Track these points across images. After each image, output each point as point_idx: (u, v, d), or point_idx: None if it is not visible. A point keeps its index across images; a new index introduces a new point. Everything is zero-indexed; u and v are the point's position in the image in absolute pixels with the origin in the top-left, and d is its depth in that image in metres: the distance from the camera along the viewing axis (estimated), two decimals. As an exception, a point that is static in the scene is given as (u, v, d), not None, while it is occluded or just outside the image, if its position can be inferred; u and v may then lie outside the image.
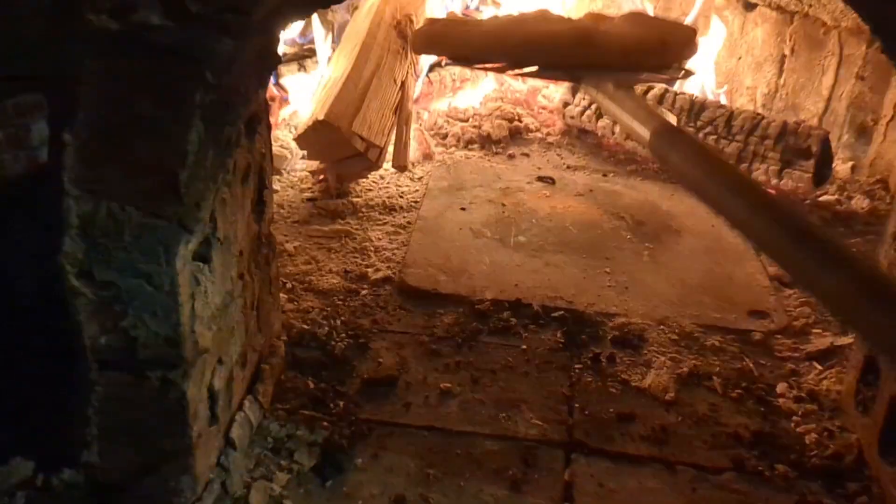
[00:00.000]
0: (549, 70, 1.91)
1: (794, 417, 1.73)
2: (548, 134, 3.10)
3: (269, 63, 1.27)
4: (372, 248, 2.24)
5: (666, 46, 1.90)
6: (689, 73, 2.07)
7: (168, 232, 1.15)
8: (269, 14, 1.09)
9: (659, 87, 2.89)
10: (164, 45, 1.03)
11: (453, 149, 2.95)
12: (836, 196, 2.69)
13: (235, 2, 1.02)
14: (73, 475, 1.34)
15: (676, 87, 3.09)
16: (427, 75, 3.03)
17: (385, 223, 2.39)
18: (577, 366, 1.83)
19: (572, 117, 3.04)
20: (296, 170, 2.63)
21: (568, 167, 2.90)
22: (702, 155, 1.36)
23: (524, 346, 1.89)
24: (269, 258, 1.65)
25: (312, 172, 2.57)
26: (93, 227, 1.13)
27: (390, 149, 2.63)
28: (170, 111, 1.06)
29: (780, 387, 1.82)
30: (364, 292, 2.04)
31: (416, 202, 2.53)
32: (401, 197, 2.55)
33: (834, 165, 2.69)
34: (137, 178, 1.10)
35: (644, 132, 1.48)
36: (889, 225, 1.65)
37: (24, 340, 1.40)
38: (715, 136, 2.72)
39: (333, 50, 2.75)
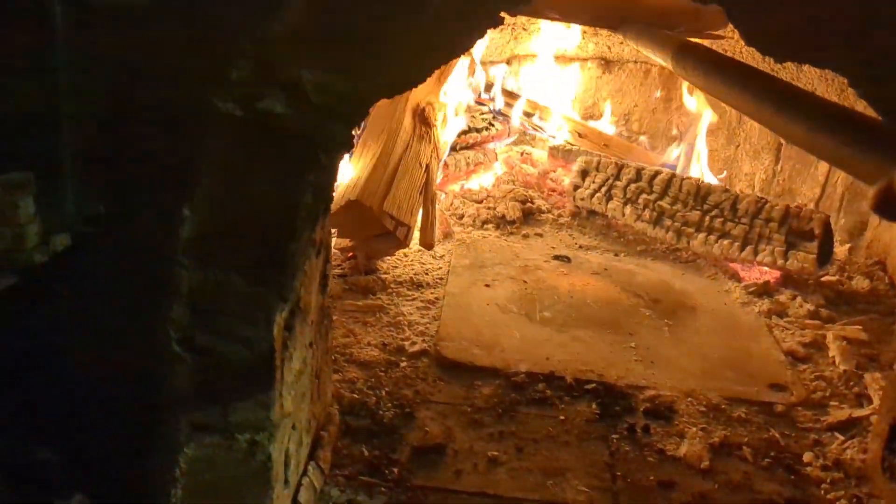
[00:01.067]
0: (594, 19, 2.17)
1: (823, 485, 1.81)
2: (559, 215, 3.23)
3: (350, 144, 1.39)
4: (405, 322, 2.33)
5: (699, 16, 2.15)
6: (719, 36, 2.30)
7: (269, 300, 1.24)
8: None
9: (666, 172, 3.05)
10: (284, 129, 1.14)
11: (470, 228, 3.07)
12: (837, 277, 2.82)
13: (353, 92, 1.14)
14: (154, 537, 1.38)
15: (680, 171, 3.27)
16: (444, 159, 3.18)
17: (415, 298, 2.48)
18: (614, 436, 1.91)
19: (582, 199, 3.19)
20: (324, 247, 2.73)
21: (580, 247, 3.03)
22: (715, 60, 1.53)
23: (562, 417, 1.96)
24: (328, 329, 1.73)
25: (341, 250, 2.67)
26: (201, 295, 1.22)
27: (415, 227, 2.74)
28: (284, 189, 1.17)
29: (807, 456, 1.91)
30: (403, 364, 2.12)
31: (441, 279, 2.63)
32: (426, 273, 2.65)
33: (833, 246, 2.84)
34: (247, 250, 1.20)
35: (666, 50, 1.68)
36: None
37: (99, 406, 1.46)
38: (721, 219, 2.86)
39: (361, 134, 2.88)
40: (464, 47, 1.39)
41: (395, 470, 1.71)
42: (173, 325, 1.24)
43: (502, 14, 1.32)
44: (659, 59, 1.89)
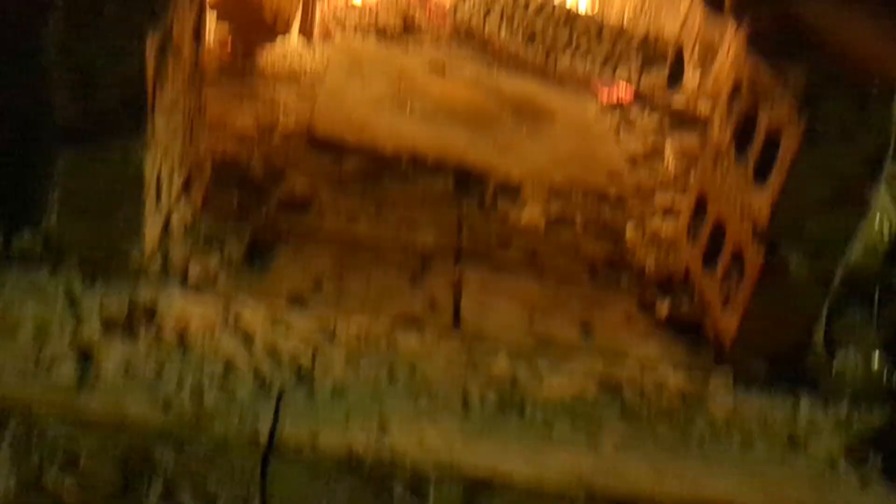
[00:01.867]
0: None
1: (639, 249, 2.11)
2: (440, 33, 3.35)
3: None
4: (281, 106, 2.45)
5: None
6: None
7: (141, 17, 1.35)
8: None
9: (540, -3, 3.21)
10: None
11: (352, 35, 3.16)
12: (684, 99, 3.09)
13: None
14: (31, 240, 1.52)
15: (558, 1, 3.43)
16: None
17: (291, 88, 2.60)
18: (465, 203, 2.14)
19: (462, 18, 3.31)
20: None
21: (457, 61, 3.18)
22: None
23: (421, 189, 2.17)
24: (201, 84, 1.85)
25: (221, 44, 2.72)
26: (77, 7, 1.32)
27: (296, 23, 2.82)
28: None
29: (630, 228, 2.20)
30: (276, 137, 2.26)
31: (319, 74, 2.74)
32: (306, 70, 2.76)
33: (685, 74, 3.10)
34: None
35: None
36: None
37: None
38: (587, 41, 3.07)
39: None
40: None
41: (263, 214, 1.89)
42: (51, 35, 1.34)
43: None
44: None
